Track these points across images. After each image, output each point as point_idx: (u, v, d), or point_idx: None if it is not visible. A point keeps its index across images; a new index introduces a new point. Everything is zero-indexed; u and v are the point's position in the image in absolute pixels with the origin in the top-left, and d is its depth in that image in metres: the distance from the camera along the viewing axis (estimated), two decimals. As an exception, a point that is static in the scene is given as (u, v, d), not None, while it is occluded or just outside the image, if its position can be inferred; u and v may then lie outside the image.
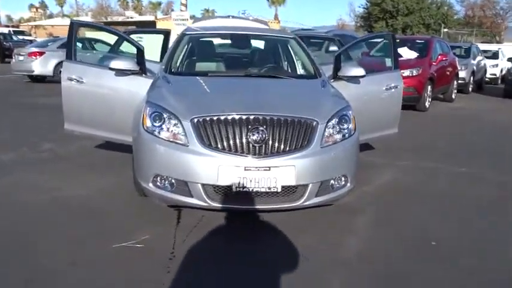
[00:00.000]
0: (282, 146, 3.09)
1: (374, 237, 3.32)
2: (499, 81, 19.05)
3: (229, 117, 3.11)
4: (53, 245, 3.03)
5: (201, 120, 3.12)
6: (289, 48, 4.85)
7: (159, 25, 18.63)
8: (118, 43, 5.74)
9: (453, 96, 12.01)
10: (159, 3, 64.95)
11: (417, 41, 11.22)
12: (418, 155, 5.83)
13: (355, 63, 4.94)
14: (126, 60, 4.34)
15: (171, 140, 3.17)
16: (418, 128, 8.01)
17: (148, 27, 25.51)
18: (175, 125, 3.20)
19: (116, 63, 4.26)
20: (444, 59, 10.71)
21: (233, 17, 7.02)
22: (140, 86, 4.33)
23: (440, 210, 3.93)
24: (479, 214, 3.87)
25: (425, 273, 2.81)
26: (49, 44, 14.29)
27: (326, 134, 3.26)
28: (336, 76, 4.42)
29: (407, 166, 5.29)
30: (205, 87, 3.80)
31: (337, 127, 3.36)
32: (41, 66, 13.43)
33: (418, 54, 10.18)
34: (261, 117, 3.12)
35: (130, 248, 3.00)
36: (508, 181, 4.83)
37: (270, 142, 3.08)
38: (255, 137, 3.05)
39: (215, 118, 3.12)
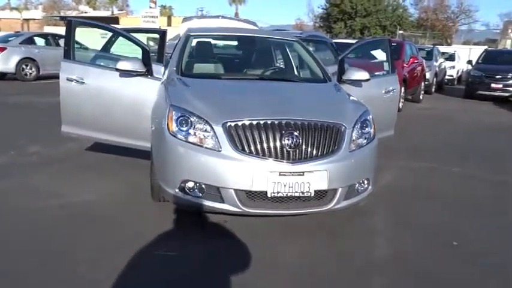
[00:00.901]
0: (315, 151, 3.11)
1: (398, 238, 3.40)
2: (456, 82, 20.02)
3: (262, 122, 3.09)
4: (85, 255, 2.90)
5: (233, 125, 3.08)
6: (295, 51, 4.87)
7: (124, 22, 18.03)
8: (110, 42, 5.56)
9: (421, 97, 12.50)
10: (117, -2, 63.06)
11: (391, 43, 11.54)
12: (410, 156, 6.03)
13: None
14: (133, 61, 4.21)
15: (201, 144, 3.12)
16: (398, 130, 8.24)
17: (109, 23, 24.70)
18: (204, 129, 3.14)
19: (123, 64, 4.13)
20: (416, 61, 11.11)
21: (223, 17, 6.98)
22: (146, 87, 4.24)
23: (449, 210, 4.08)
24: (485, 212, 4.06)
25: (457, 273, 2.92)
26: (10, 39, 13.55)
27: (352, 138, 3.31)
28: (340, 79, 4.49)
29: (403, 167, 5.45)
30: (226, 90, 3.76)
31: (361, 131, 3.41)
32: (3, 63, 12.71)
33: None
34: (293, 122, 3.13)
35: (164, 257, 2.92)
36: (505, 180, 5.08)
37: (303, 147, 3.09)
38: (289, 142, 3.05)
39: (247, 123, 3.09)
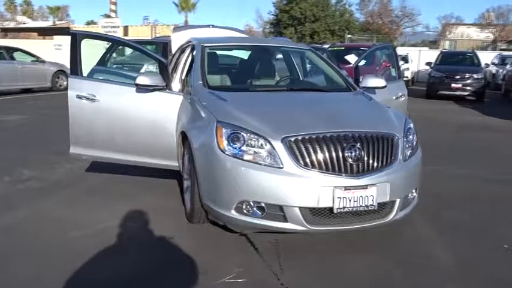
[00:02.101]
0: (375, 163, 3.05)
1: (450, 244, 3.39)
2: (410, 83, 20.81)
3: (322, 136, 2.99)
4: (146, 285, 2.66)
5: (293, 139, 2.95)
6: (309, 59, 4.80)
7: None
8: (107, 55, 5.24)
9: (390, 99, 12.85)
10: (58, 8, 60.44)
11: (361, 48, 11.79)
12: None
13: (373, 74, 5.02)
14: (151, 75, 3.99)
15: (259, 162, 2.96)
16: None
17: (60, 33, 23.56)
18: (260, 145, 2.99)
19: (142, 79, 3.91)
20: (387, 65, 11.38)
21: (213, 26, 6.77)
22: (166, 102, 4.04)
23: (478, 211, 4.14)
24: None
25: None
26: None
27: (404, 147, 3.27)
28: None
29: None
30: (267, 103, 3.62)
31: (408, 140, 3.39)
32: None
33: (365, 61, 10.69)
34: (351, 134, 3.05)
35: (234, 284, 2.73)
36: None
37: (365, 159, 3.01)
38: (352, 155, 2.96)
39: (307, 137, 2.97)
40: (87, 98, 4.11)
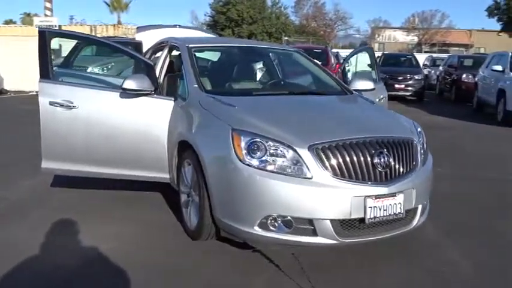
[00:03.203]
0: (401, 169, 2.92)
1: (467, 248, 3.34)
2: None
3: (348, 142, 2.81)
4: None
5: (320, 147, 2.74)
6: (297, 61, 4.60)
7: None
8: (72, 55, 4.73)
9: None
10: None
11: (314, 50, 11.87)
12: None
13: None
14: (139, 78, 3.60)
15: (284, 172, 2.71)
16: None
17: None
18: (283, 154, 2.75)
19: (129, 83, 3.51)
20: (339, 67, 11.55)
21: (180, 26, 6.45)
22: (154, 108, 3.67)
23: (481, 211, 4.17)
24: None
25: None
26: None
27: (421, 152, 3.18)
28: None
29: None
30: (279, 108, 3.37)
31: (421, 144, 3.30)
32: None
33: (320, 62, 10.76)
34: (375, 140, 2.90)
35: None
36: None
37: (393, 165, 2.87)
38: (381, 161, 2.81)
39: (334, 144, 2.77)
40: (63, 105, 3.63)
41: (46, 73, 3.67)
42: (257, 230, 2.75)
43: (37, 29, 4.26)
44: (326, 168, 2.71)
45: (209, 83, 3.75)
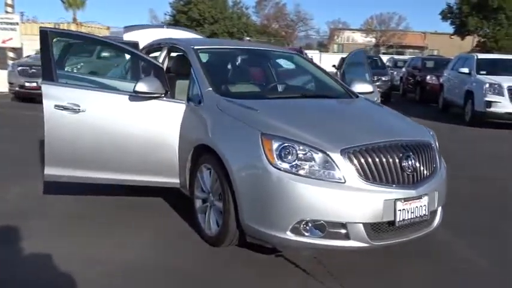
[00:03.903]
0: (425, 171, 2.99)
1: (487, 247, 3.44)
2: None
3: (377, 146, 2.84)
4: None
5: (352, 151, 2.76)
6: (301, 64, 4.61)
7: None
8: (64, 56, 4.54)
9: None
10: None
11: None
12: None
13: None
14: (151, 81, 3.50)
15: (316, 177, 2.71)
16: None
17: None
18: (316, 159, 2.75)
19: (142, 86, 3.42)
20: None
21: (167, 26, 6.30)
22: (165, 112, 3.59)
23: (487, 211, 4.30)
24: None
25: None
26: None
27: (438, 154, 3.27)
28: None
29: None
30: (301, 112, 3.36)
31: (436, 147, 3.39)
32: None
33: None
34: (400, 143, 2.95)
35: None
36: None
37: (418, 168, 2.94)
38: (409, 164, 2.87)
39: (364, 148, 2.80)
40: (69, 109, 3.47)
41: (50, 75, 3.50)
42: (289, 235, 2.73)
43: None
44: (358, 172, 2.73)
45: (220, 85, 3.69)
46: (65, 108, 3.46)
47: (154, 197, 4.16)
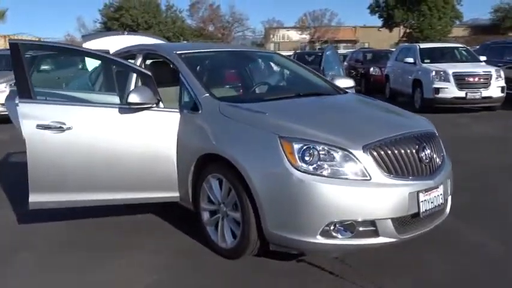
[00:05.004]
0: (438, 161, 3.03)
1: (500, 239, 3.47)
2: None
3: (394, 139, 2.84)
4: None
5: (372, 147, 2.72)
6: (282, 63, 4.53)
7: None
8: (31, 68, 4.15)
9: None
10: None
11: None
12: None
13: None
14: (143, 91, 3.28)
15: (342, 176, 2.65)
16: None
17: None
18: (338, 158, 2.68)
19: (134, 97, 3.19)
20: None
21: (128, 33, 6.00)
22: (159, 122, 3.38)
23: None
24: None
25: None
26: None
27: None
28: None
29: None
30: (308, 112, 3.27)
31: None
32: None
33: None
34: (412, 135, 2.97)
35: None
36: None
37: (434, 158, 2.96)
38: (425, 155, 2.88)
39: (383, 142, 2.78)
40: (53, 127, 3.15)
41: (26, 92, 3.17)
42: (319, 239, 2.65)
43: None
44: (381, 167, 2.70)
45: (217, 90, 3.52)
46: (48, 128, 3.15)
47: (145, 214, 3.91)
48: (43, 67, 6.77)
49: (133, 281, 2.87)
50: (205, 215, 3.25)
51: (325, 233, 2.64)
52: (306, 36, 46.40)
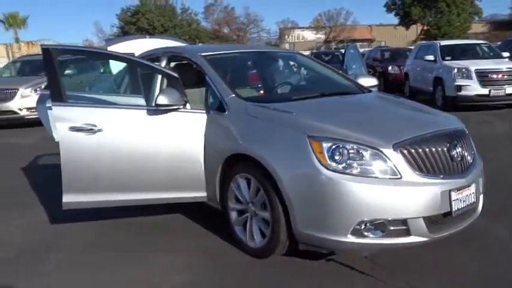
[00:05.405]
0: (469, 158, 3.00)
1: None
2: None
3: (424, 138, 2.82)
4: None
5: (403, 145, 2.71)
6: (305, 63, 4.54)
7: None
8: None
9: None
10: None
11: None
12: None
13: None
14: (171, 93, 3.31)
15: (373, 175, 2.64)
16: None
17: None
18: (368, 156, 2.67)
19: (163, 99, 3.23)
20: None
21: (149, 36, 6.06)
22: (187, 123, 3.41)
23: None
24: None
25: None
26: None
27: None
28: None
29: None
30: (335, 111, 3.27)
31: None
32: None
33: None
34: (443, 133, 2.94)
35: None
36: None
37: (465, 156, 2.93)
38: (457, 153, 2.86)
39: (414, 141, 2.76)
40: (85, 130, 3.22)
41: (59, 95, 3.24)
42: (350, 238, 2.64)
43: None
44: (412, 165, 2.69)
45: (243, 91, 3.55)
46: (80, 130, 3.22)
47: (164, 215, 3.96)
48: (66, 71, 6.92)
49: (159, 281, 2.89)
50: (233, 215, 3.27)
51: (356, 232, 2.64)
52: (321, 36, 46.23)
